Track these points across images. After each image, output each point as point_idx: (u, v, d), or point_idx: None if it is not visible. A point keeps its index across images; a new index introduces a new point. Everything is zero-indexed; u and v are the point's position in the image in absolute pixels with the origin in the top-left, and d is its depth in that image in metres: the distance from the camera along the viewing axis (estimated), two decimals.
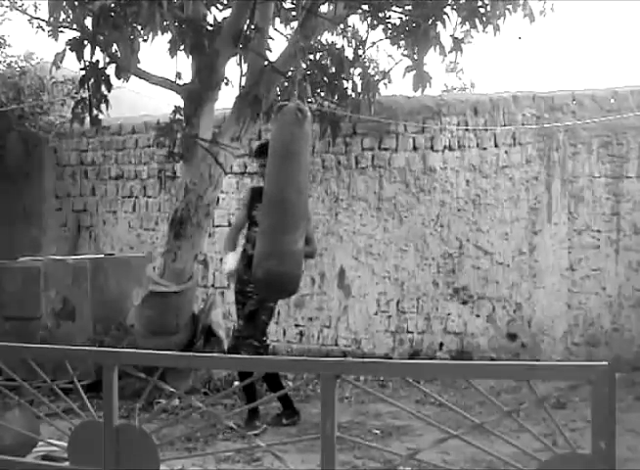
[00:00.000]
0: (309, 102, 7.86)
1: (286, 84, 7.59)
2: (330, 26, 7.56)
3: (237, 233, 5.89)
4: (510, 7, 7.10)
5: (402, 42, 7.23)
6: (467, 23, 7.09)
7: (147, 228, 9.28)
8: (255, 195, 5.57)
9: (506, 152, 7.80)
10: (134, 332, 6.56)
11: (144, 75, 6.98)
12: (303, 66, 7.73)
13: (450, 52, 7.14)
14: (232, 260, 5.65)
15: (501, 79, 21.64)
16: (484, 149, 7.86)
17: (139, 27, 6.49)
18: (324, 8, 7.42)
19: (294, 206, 4.63)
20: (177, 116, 7.07)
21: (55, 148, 9.74)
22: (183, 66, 18.08)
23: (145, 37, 6.72)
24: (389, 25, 7.25)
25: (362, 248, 8.21)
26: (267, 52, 7.07)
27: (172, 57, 6.96)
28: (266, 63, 6.94)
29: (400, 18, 7.24)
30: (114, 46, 6.33)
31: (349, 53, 7.74)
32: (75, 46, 6.32)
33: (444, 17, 6.85)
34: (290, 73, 7.30)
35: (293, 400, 5.71)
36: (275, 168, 4.73)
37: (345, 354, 8.03)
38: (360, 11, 7.40)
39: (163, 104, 9.84)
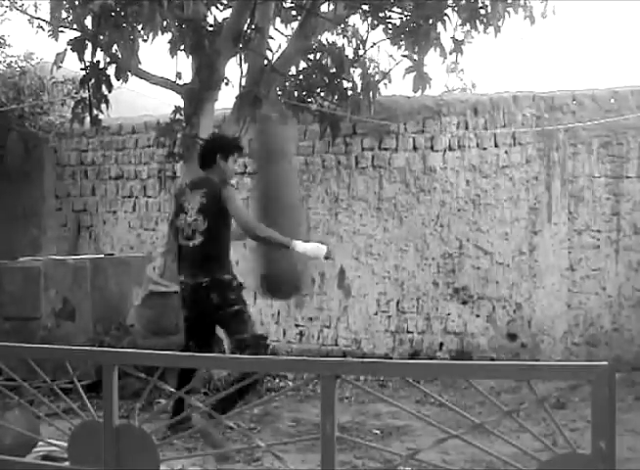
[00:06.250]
0: (309, 101, 7.89)
1: (286, 84, 7.61)
2: (330, 26, 7.57)
3: None
4: (510, 8, 7.11)
5: (402, 42, 7.23)
6: (467, 23, 7.10)
7: (147, 228, 9.28)
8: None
9: (506, 152, 7.80)
10: (134, 332, 6.57)
11: (144, 75, 6.99)
12: (303, 65, 7.76)
13: (451, 53, 7.15)
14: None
15: (501, 79, 21.64)
16: (484, 149, 7.86)
17: (139, 27, 6.50)
18: (324, 8, 7.43)
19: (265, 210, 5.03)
20: (177, 116, 7.08)
21: (55, 148, 9.73)
22: (183, 66, 18.08)
23: (145, 37, 6.73)
24: (390, 26, 7.26)
25: (362, 248, 8.21)
26: (267, 52, 7.08)
27: (172, 57, 6.98)
28: (266, 63, 6.95)
29: (401, 18, 7.25)
30: (115, 46, 6.33)
31: (349, 53, 7.75)
32: (76, 46, 6.33)
33: (445, 17, 6.86)
34: (290, 73, 7.33)
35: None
36: None
37: (345, 354, 8.02)
38: (360, 11, 7.41)
39: (163, 104, 9.84)
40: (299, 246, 4.63)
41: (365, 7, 7.29)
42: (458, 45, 7.11)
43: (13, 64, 10.02)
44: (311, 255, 4.69)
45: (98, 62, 6.43)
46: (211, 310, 4.76)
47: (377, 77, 7.83)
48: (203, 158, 5.02)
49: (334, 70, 7.65)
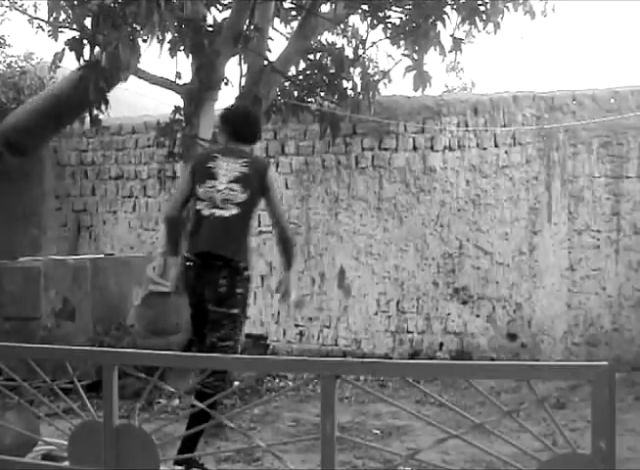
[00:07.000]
0: (309, 101, 7.89)
1: (286, 84, 7.60)
2: (330, 26, 7.57)
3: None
4: (510, 4, 7.12)
5: (402, 42, 7.23)
6: (467, 22, 7.10)
7: (147, 228, 9.27)
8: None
9: (506, 152, 7.80)
10: (134, 332, 6.56)
11: (144, 75, 6.99)
12: (303, 65, 7.76)
13: (450, 52, 7.15)
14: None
15: (501, 79, 21.66)
16: (484, 149, 7.86)
17: (138, 28, 6.50)
18: (324, 8, 7.43)
19: None
20: (177, 116, 7.08)
21: (55, 148, 9.73)
22: (183, 66, 18.07)
23: (145, 37, 6.73)
24: (389, 25, 7.26)
25: (362, 248, 8.20)
26: (267, 52, 7.08)
27: (172, 57, 6.97)
28: (266, 63, 6.95)
29: (400, 17, 7.25)
30: (114, 46, 6.33)
31: (349, 53, 7.75)
32: (75, 46, 6.33)
33: (444, 16, 6.86)
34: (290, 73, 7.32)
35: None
36: None
37: (345, 354, 8.02)
38: (360, 11, 7.40)
39: (163, 104, 9.83)
40: (292, 275, 4.32)
41: (365, 7, 7.29)
42: (457, 44, 7.10)
43: (13, 64, 10.03)
44: (289, 288, 4.28)
45: (97, 61, 6.43)
46: (212, 298, 4.08)
47: (377, 77, 7.83)
48: (251, 132, 4.42)
49: (334, 70, 7.65)
